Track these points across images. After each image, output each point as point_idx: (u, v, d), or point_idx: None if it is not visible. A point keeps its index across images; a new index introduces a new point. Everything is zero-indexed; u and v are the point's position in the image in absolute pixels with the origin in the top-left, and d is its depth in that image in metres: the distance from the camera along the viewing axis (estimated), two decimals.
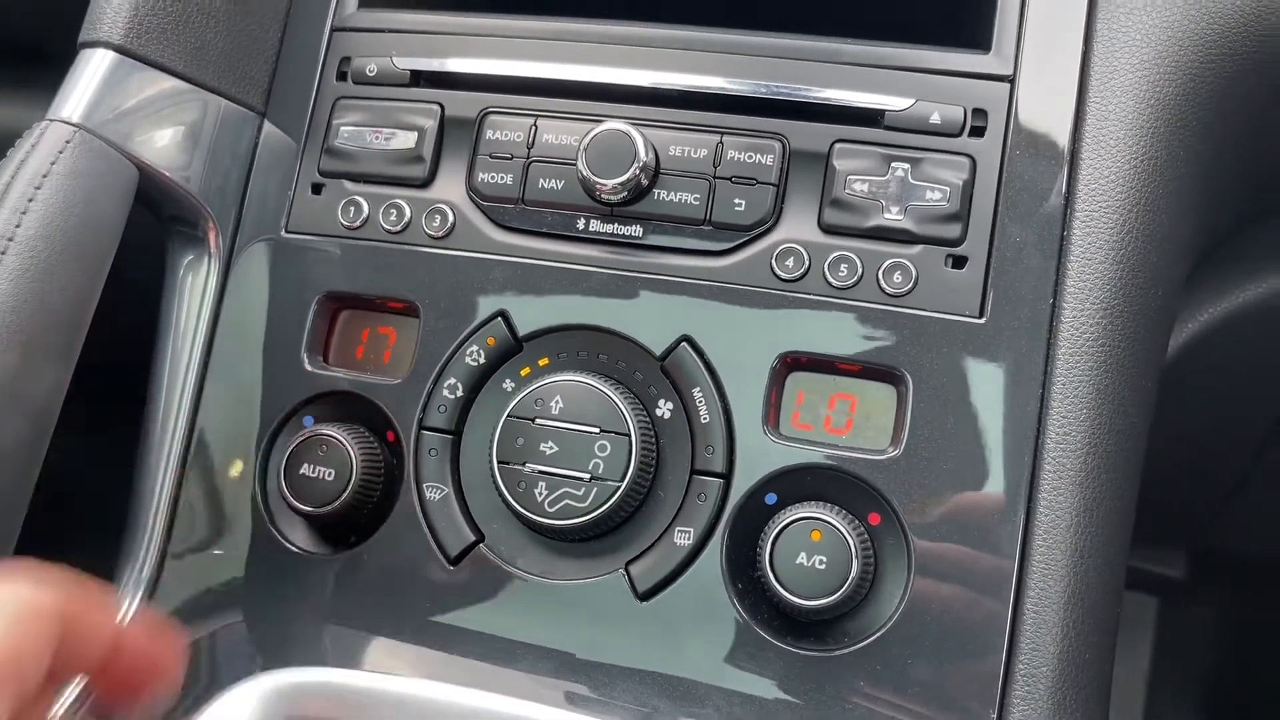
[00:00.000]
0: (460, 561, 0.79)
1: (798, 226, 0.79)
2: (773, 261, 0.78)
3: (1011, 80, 0.78)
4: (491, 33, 0.87)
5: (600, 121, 0.80)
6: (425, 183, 0.85)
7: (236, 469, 0.84)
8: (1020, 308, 0.75)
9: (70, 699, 0.76)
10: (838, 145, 0.79)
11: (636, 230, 0.81)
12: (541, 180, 0.82)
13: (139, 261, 0.81)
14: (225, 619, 0.81)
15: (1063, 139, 0.77)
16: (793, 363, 0.78)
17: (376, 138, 0.86)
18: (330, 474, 0.79)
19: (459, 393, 0.81)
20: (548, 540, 0.78)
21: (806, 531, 0.72)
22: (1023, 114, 0.77)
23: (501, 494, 0.76)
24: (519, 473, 0.76)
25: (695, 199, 0.80)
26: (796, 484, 0.76)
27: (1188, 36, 0.78)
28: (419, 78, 0.87)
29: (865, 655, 0.72)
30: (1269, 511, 1.51)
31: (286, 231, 0.87)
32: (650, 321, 0.79)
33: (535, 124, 0.83)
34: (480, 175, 0.84)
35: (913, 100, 0.79)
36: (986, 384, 0.74)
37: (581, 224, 0.82)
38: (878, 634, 0.73)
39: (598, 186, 0.79)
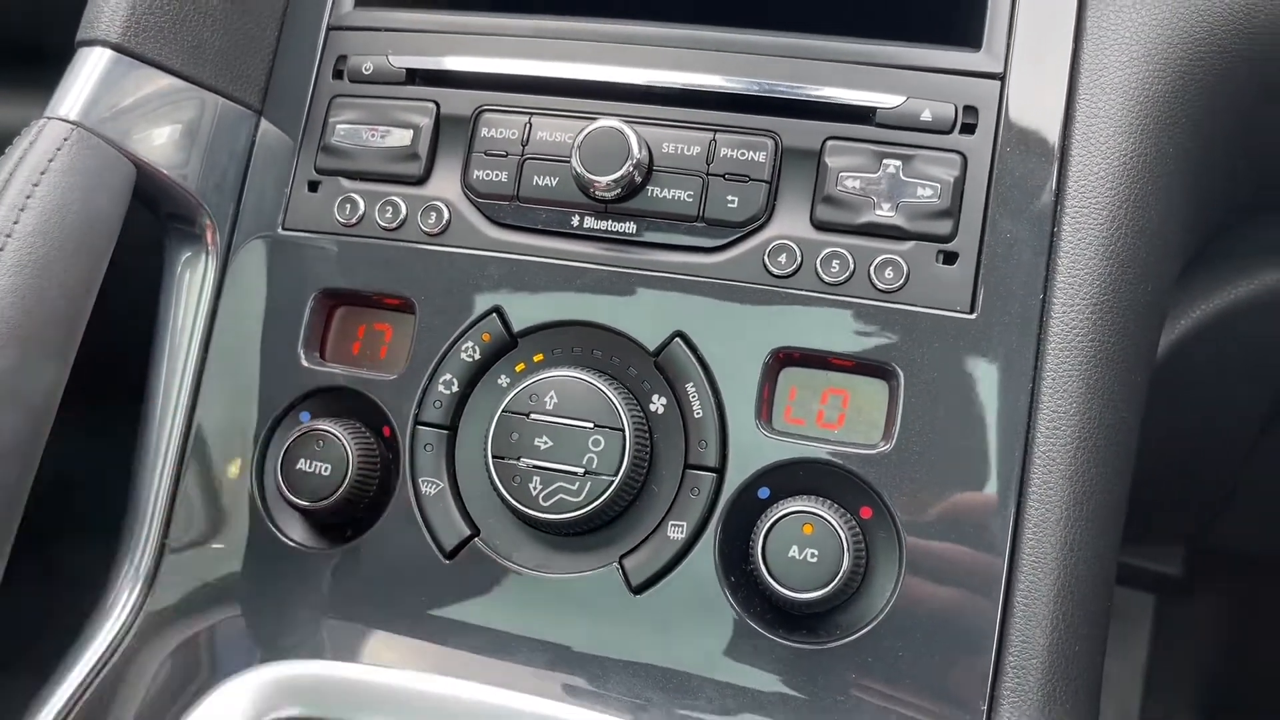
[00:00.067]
0: (456, 556, 0.79)
1: (790, 223, 0.79)
2: (765, 258, 0.79)
3: (1002, 78, 0.79)
4: (486, 31, 0.87)
5: (594, 119, 0.80)
6: (421, 180, 0.86)
7: (234, 464, 0.84)
8: (1011, 303, 0.75)
9: (63, 700, 0.77)
10: (830, 142, 0.79)
11: (630, 227, 0.81)
12: (536, 177, 0.83)
13: (136, 259, 0.82)
14: (223, 613, 0.82)
15: (1053, 136, 0.77)
16: (785, 358, 0.78)
17: (372, 135, 0.87)
18: (326, 469, 0.80)
19: (454, 388, 0.81)
20: (542, 534, 0.79)
21: (799, 525, 0.73)
22: (1013, 111, 0.78)
23: (496, 489, 0.77)
24: (514, 467, 0.77)
25: (688, 196, 0.80)
26: (789, 478, 0.76)
27: (1177, 34, 0.79)
28: (415, 76, 0.88)
29: (857, 648, 0.73)
30: (1264, 508, 1.51)
31: (283, 229, 0.87)
32: (644, 317, 0.80)
33: (530, 122, 0.84)
34: (475, 172, 0.84)
35: (904, 98, 0.79)
36: (977, 379, 0.75)
37: (576, 221, 0.82)
38: (869, 626, 0.73)
39: (592, 183, 0.80)
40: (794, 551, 0.72)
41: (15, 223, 0.70)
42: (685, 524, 0.76)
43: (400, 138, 0.86)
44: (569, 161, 0.80)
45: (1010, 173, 0.77)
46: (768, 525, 0.73)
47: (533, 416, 0.77)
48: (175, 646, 0.80)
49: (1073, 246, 0.76)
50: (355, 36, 0.90)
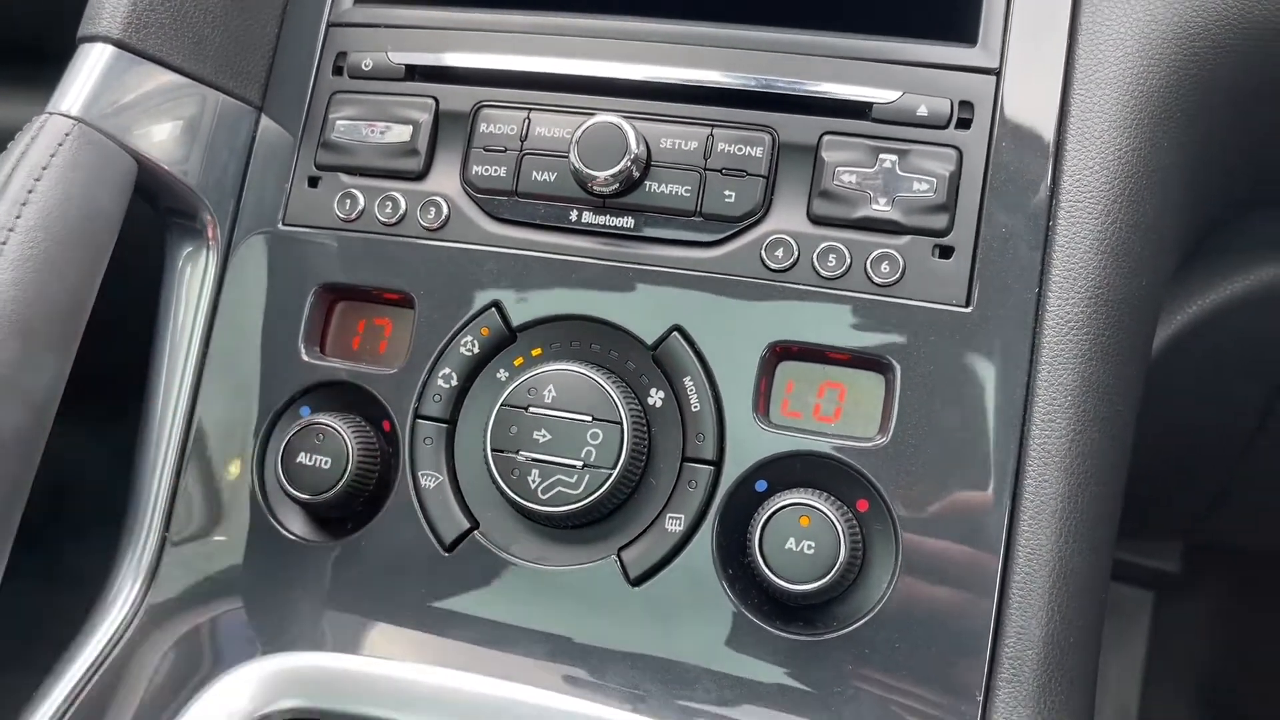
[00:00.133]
0: (455, 548, 0.80)
1: (787, 217, 0.80)
2: (762, 252, 0.79)
3: (997, 73, 0.79)
4: (485, 27, 0.88)
5: (592, 114, 0.81)
6: (420, 175, 0.86)
7: (234, 458, 0.85)
8: (1006, 297, 0.76)
9: (66, 692, 0.77)
10: (826, 137, 0.80)
11: (628, 222, 0.82)
12: (535, 172, 0.83)
13: (136, 256, 0.82)
14: (224, 605, 0.82)
15: (1048, 131, 0.78)
16: (782, 352, 0.79)
17: (372, 131, 0.87)
18: (327, 463, 0.80)
19: (453, 382, 0.82)
20: (541, 527, 0.79)
21: (795, 517, 0.73)
22: (1008, 106, 0.79)
23: (495, 482, 0.78)
24: (513, 461, 0.77)
25: (686, 190, 0.81)
26: (786, 471, 0.77)
27: (1171, 30, 0.79)
28: (414, 72, 0.88)
29: (853, 639, 0.74)
30: (1261, 504, 1.52)
31: (283, 224, 0.88)
32: (642, 311, 0.80)
33: (528, 117, 0.84)
34: (474, 168, 0.85)
35: (900, 93, 0.80)
36: (973, 372, 0.75)
37: (574, 216, 0.83)
38: (866, 618, 0.74)
39: (590, 179, 0.80)
40: (791, 543, 0.73)
41: (18, 217, 0.71)
42: (683, 516, 0.77)
43: (400, 133, 0.87)
44: (567, 157, 0.81)
45: (1005, 167, 0.78)
46: (765, 517, 0.74)
47: (531, 410, 0.77)
48: (177, 639, 0.81)
49: (1068, 241, 0.76)
50: (355, 33, 0.90)
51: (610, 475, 0.76)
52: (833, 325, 0.77)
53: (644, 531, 0.78)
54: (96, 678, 0.79)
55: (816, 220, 0.79)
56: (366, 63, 0.89)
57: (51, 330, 0.72)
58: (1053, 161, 0.78)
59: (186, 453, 0.86)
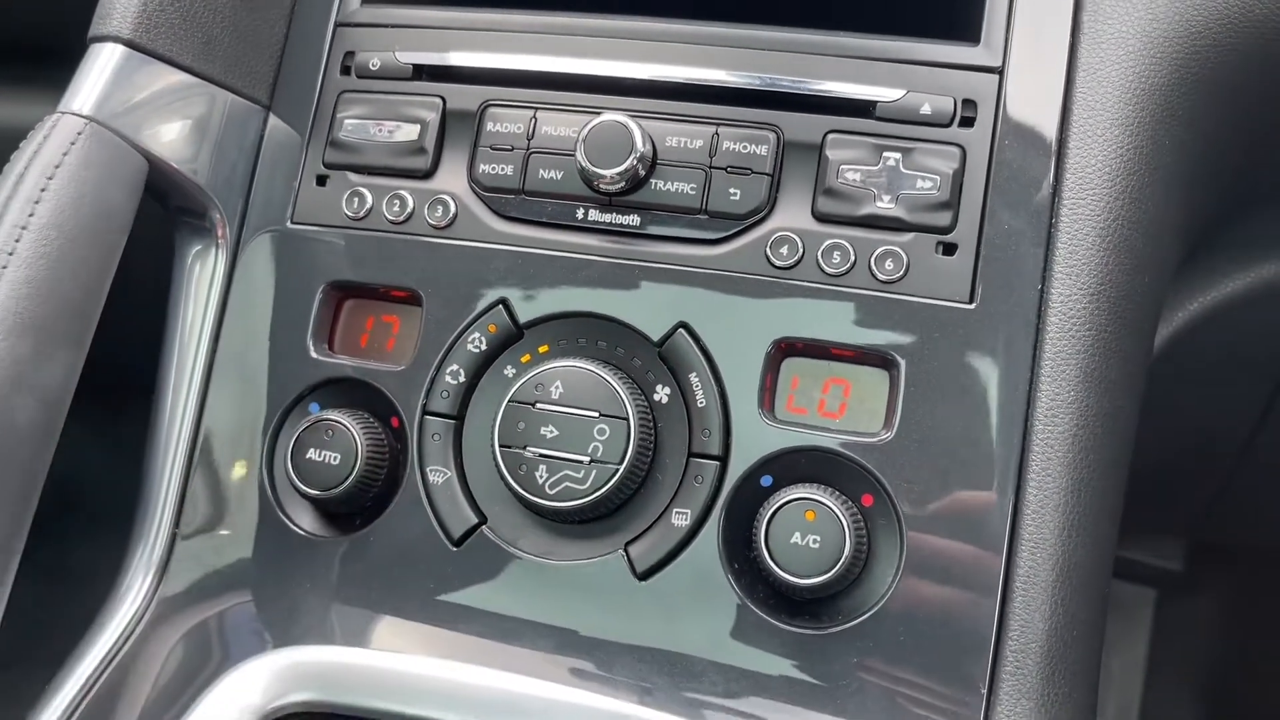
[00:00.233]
0: (463, 543, 0.80)
1: (792, 215, 0.80)
2: (767, 249, 0.80)
3: (1000, 72, 0.80)
4: (492, 27, 0.89)
5: (598, 113, 0.82)
6: (427, 174, 0.87)
7: (244, 454, 0.86)
8: (1009, 293, 0.77)
9: (65, 703, 0.78)
10: (830, 136, 0.81)
11: (634, 219, 0.82)
12: (541, 171, 0.84)
13: (145, 255, 0.83)
14: (234, 599, 0.83)
15: (1050, 129, 0.79)
16: (787, 348, 0.79)
17: (380, 130, 0.88)
18: (336, 458, 0.81)
19: (461, 379, 0.83)
20: (548, 522, 0.80)
21: (801, 512, 0.74)
22: (1011, 105, 0.79)
23: (503, 477, 0.78)
24: (520, 456, 0.78)
25: (691, 189, 0.81)
26: (791, 466, 0.77)
27: (1173, 28, 0.80)
28: (421, 71, 0.89)
29: (859, 632, 0.74)
30: (1263, 501, 1.52)
31: (292, 222, 0.89)
32: (648, 309, 0.81)
33: (535, 116, 0.85)
34: (481, 166, 0.85)
35: (904, 91, 0.80)
36: (977, 368, 0.76)
37: (580, 214, 0.83)
38: (871, 611, 0.74)
39: (597, 177, 0.81)
40: (796, 538, 0.73)
41: (31, 215, 0.71)
42: (689, 511, 0.78)
43: (407, 132, 0.87)
44: (574, 155, 0.81)
45: (1009, 165, 0.78)
46: (770, 512, 0.74)
47: (539, 406, 0.78)
48: (188, 632, 0.82)
49: (1070, 238, 0.77)
50: (362, 33, 0.91)
51: (617, 470, 0.76)
52: (837, 322, 0.78)
53: (650, 526, 0.78)
54: (109, 670, 0.80)
55: (821, 218, 0.80)
56: (374, 62, 0.90)
57: (65, 326, 0.73)
58: (1055, 159, 0.78)
59: (196, 449, 0.86)
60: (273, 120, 0.91)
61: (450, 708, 0.75)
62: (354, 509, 0.83)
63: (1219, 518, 1.59)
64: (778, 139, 0.81)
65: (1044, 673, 0.72)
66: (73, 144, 0.75)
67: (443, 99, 0.88)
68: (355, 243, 0.87)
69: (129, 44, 0.81)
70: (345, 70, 0.91)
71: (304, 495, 0.82)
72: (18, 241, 0.70)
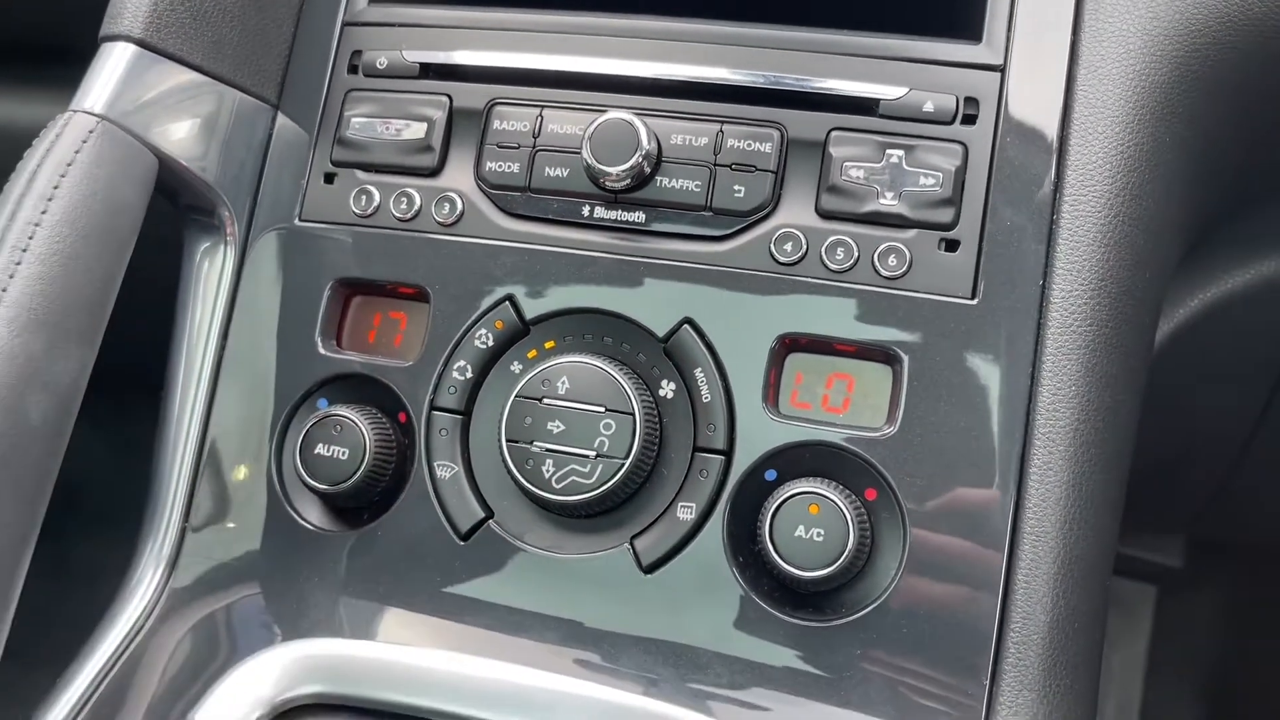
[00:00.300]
0: (470, 537, 0.81)
1: (796, 212, 0.81)
2: (771, 246, 0.81)
3: (1002, 70, 0.81)
4: (498, 26, 0.89)
5: (604, 111, 0.82)
6: (434, 172, 0.88)
7: (253, 450, 0.86)
8: (1011, 289, 0.77)
9: (77, 695, 0.79)
10: (834, 133, 0.81)
11: (639, 216, 0.83)
12: (547, 168, 0.85)
13: (156, 251, 0.84)
14: (243, 593, 0.84)
15: (1051, 127, 0.79)
16: (791, 344, 0.80)
17: (387, 128, 0.89)
18: (344, 453, 0.82)
19: (468, 374, 0.83)
20: (555, 516, 0.81)
21: (805, 506, 0.75)
22: (1013, 102, 0.80)
23: (510, 472, 0.79)
24: (527, 451, 0.78)
25: (696, 186, 0.82)
26: (795, 461, 0.78)
27: (1174, 26, 0.81)
28: (428, 70, 0.90)
29: (862, 625, 0.75)
30: (1263, 498, 1.53)
31: (300, 220, 0.89)
32: (653, 305, 0.81)
33: (541, 114, 0.86)
34: (488, 164, 0.86)
35: (907, 89, 0.81)
36: (979, 363, 0.77)
37: (586, 211, 0.84)
38: (874, 604, 0.75)
39: (602, 174, 0.81)
40: (800, 531, 0.74)
41: (44, 212, 0.72)
42: (694, 505, 0.78)
43: (414, 131, 0.88)
44: (579, 153, 0.82)
45: (1010, 162, 0.79)
46: (775, 506, 0.75)
47: (545, 401, 0.79)
48: (198, 626, 0.82)
49: (1071, 234, 0.78)
50: (370, 32, 0.92)
51: (623, 465, 0.77)
52: (841, 317, 0.79)
53: (656, 520, 0.79)
54: (121, 663, 0.81)
55: (824, 214, 0.81)
56: (381, 61, 0.90)
57: (77, 322, 0.73)
58: (1057, 156, 0.79)
59: (205, 444, 0.87)
60: (281, 119, 0.91)
61: (458, 699, 0.76)
62: (362, 503, 0.84)
63: (1219, 514, 1.59)
64: (782, 136, 0.82)
65: (1045, 664, 0.73)
66: (85, 142, 0.76)
67: (449, 97, 0.88)
68: (363, 240, 0.88)
69: (140, 43, 0.82)
70: (353, 69, 0.92)
71: (312, 490, 0.83)
72: (31, 238, 0.71)
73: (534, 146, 0.85)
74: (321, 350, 0.86)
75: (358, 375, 0.86)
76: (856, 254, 0.79)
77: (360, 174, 0.89)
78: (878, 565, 0.76)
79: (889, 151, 0.80)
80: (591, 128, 0.81)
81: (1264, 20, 0.82)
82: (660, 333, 0.81)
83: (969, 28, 0.82)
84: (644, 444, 0.78)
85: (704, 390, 0.80)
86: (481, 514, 0.81)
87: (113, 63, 0.81)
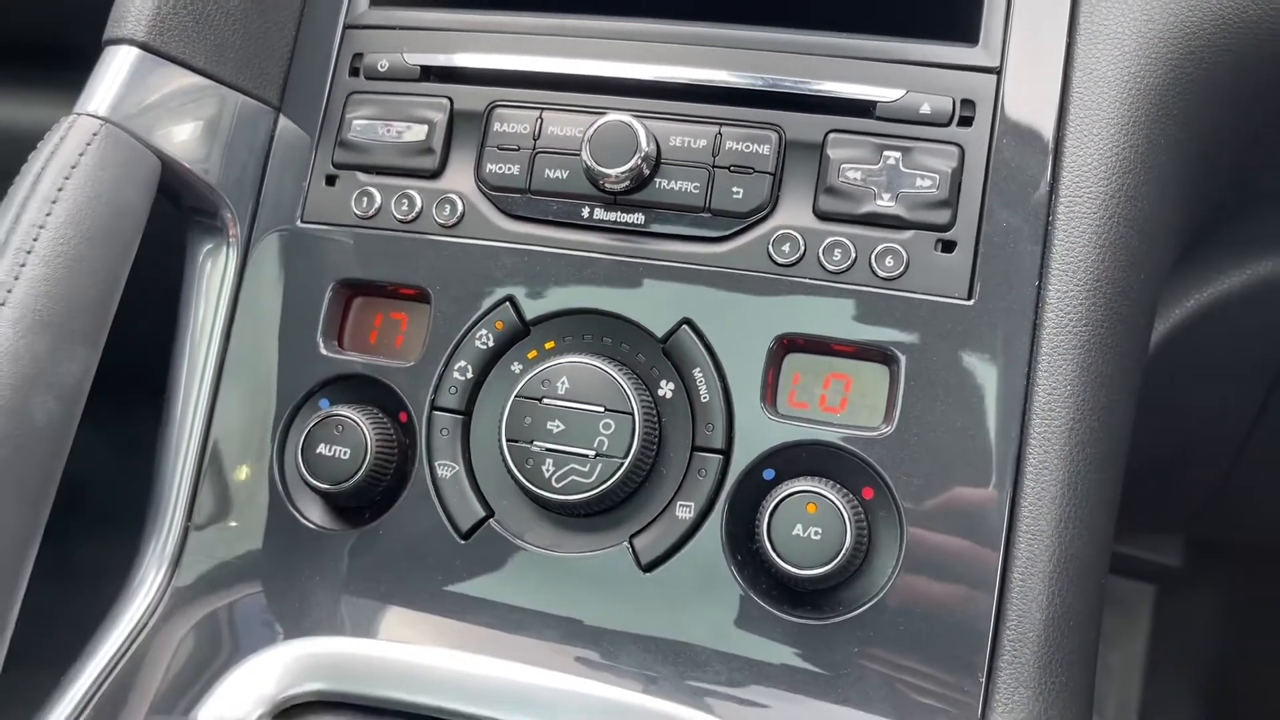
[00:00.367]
0: (471, 536, 0.82)
1: (794, 213, 0.82)
2: (769, 247, 0.81)
3: (998, 72, 0.81)
4: (498, 29, 0.90)
5: (603, 114, 0.83)
6: (435, 174, 0.88)
7: (255, 450, 0.87)
8: (1007, 290, 0.78)
9: (80, 693, 0.79)
10: (832, 135, 0.82)
11: (639, 218, 0.84)
12: (547, 170, 0.85)
13: (158, 253, 0.84)
14: (246, 591, 0.84)
15: (1047, 128, 0.80)
16: (789, 344, 0.81)
17: (388, 131, 0.89)
18: (345, 453, 0.82)
19: (469, 375, 0.84)
20: (555, 515, 0.81)
21: (802, 505, 0.75)
22: (1009, 104, 0.81)
23: (510, 471, 0.80)
24: (527, 450, 0.79)
25: (695, 187, 0.83)
26: (793, 460, 0.79)
27: (1168, 29, 0.81)
28: (429, 73, 0.90)
29: (859, 622, 0.76)
30: (1260, 498, 1.53)
31: (302, 221, 0.90)
32: (652, 305, 0.82)
33: (541, 116, 0.86)
34: (488, 166, 0.87)
35: (903, 91, 0.82)
36: (975, 363, 0.77)
37: (586, 212, 0.85)
38: (871, 602, 0.76)
39: (602, 176, 0.82)
40: (798, 530, 0.75)
41: (48, 214, 0.73)
42: (693, 504, 0.79)
43: (415, 133, 0.89)
44: (579, 155, 0.83)
45: (1006, 164, 0.80)
46: (773, 505, 0.76)
47: (545, 401, 0.80)
48: (200, 624, 0.83)
49: (1067, 235, 0.78)
50: (371, 35, 0.93)
51: (622, 464, 0.78)
52: (838, 318, 0.79)
53: (655, 519, 0.80)
54: (124, 661, 0.81)
55: (822, 216, 0.81)
56: (382, 64, 0.91)
57: (81, 324, 0.74)
58: (1052, 158, 0.79)
59: (208, 444, 0.88)
60: (283, 121, 0.92)
61: (458, 697, 0.77)
62: (363, 503, 0.85)
63: (1217, 514, 1.60)
64: (779, 138, 0.83)
65: (1041, 662, 0.74)
66: (89, 144, 0.76)
67: (450, 100, 0.89)
68: (364, 241, 0.88)
69: (143, 46, 0.83)
70: (354, 72, 0.92)
71: (314, 489, 0.83)
72: (36, 240, 0.72)
73: (534, 148, 0.86)
74: (323, 351, 0.87)
75: (359, 375, 0.86)
76: (854, 255, 0.80)
77: (361, 176, 0.90)
78: (875, 564, 0.77)
79: (886, 153, 0.81)
80: (591, 130, 0.82)
81: (1258, 23, 0.82)
82: (659, 333, 0.82)
83: (965, 30, 0.83)
84: (643, 443, 0.78)
85: (703, 390, 0.80)
86: (482, 513, 0.82)
87: (116, 66, 0.82)
